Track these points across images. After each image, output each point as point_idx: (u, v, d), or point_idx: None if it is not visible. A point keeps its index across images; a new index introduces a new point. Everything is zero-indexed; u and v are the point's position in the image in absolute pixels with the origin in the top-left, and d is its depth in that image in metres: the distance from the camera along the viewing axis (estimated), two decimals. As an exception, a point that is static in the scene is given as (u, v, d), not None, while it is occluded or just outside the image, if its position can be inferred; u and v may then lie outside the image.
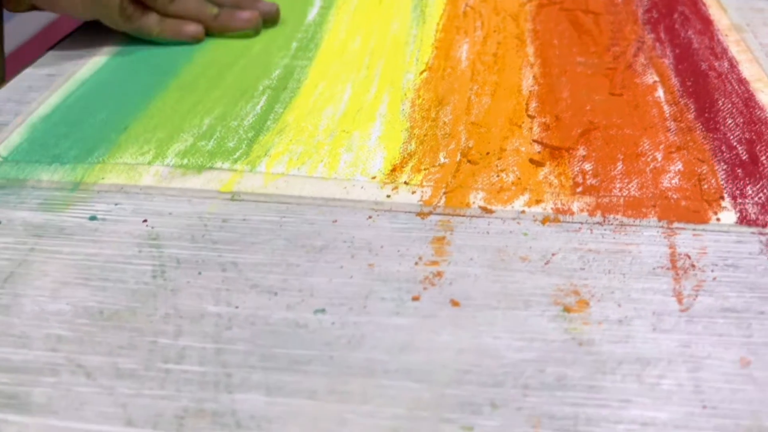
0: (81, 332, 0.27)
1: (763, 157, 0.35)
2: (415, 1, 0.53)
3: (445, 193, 0.33)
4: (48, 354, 0.26)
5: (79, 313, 0.28)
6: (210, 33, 0.48)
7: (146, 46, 0.47)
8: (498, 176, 0.34)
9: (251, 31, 0.48)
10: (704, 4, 0.51)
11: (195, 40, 0.47)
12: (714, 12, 0.50)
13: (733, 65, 0.44)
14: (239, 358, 0.26)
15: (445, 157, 0.36)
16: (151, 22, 0.46)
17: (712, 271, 0.29)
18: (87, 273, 0.29)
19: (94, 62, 0.45)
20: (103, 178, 0.35)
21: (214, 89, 0.42)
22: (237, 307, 0.28)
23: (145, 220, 0.32)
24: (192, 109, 0.40)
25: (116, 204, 0.33)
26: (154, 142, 0.37)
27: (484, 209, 0.32)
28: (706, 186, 0.33)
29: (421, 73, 0.43)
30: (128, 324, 0.27)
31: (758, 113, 0.39)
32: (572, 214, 0.32)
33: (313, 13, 0.51)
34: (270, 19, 0.49)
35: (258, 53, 0.46)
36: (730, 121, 0.38)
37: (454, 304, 0.28)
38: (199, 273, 0.29)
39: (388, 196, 0.33)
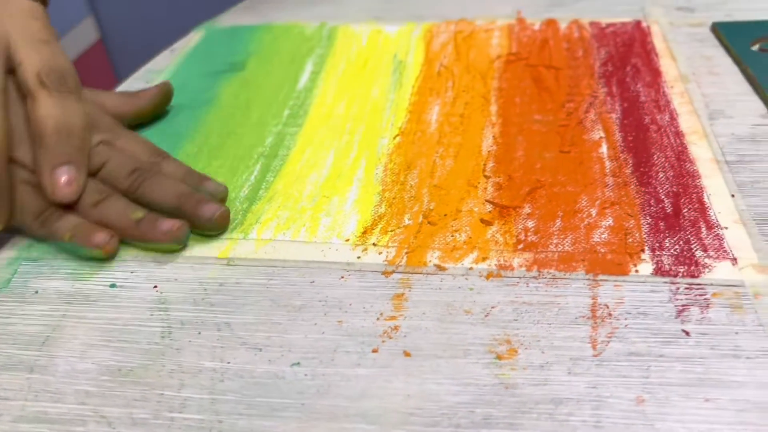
0: (104, 387, 0.33)
1: (685, 209, 0.41)
2: (394, 64, 0.59)
3: (406, 253, 0.39)
4: (78, 407, 0.33)
5: (102, 371, 0.34)
6: (131, 242, 0.42)
7: (153, 123, 0.54)
8: (452, 236, 0.40)
9: (172, 246, 0.41)
10: (656, 55, 0.57)
11: (105, 253, 0.40)
12: (665, 63, 0.56)
13: (673, 118, 0.49)
14: (229, 406, 0.32)
15: (409, 219, 0.42)
16: (64, 225, 0.41)
17: (626, 319, 0.35)
18: (108, 335, 0.36)
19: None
20: (121, 251, 0.41)
21: (215, 159, 0.49)
22: (229, 363, 0.34)
23: (155, 286, 0.39)
24: (196, 180, 0.47)
25: (132, 272, 0.40)
26: (163, 214, 0.44)
27: (439, 267, 0.38)
28: (630, 240, 0.39)
29: (394, 138, 0.49)
30: (141, 379, 0.34)
31: (687, 166, 0.44)
32: (512, 269, 0.38)
33: (304, 79, 0.58)
34: (208, 227, 0.41)
35: (255, 121, 0.53)
36: (661, 175, 0.44)
37: (407, 354, 0.34)
38: (199, 333, 0.36)
39: (359, 257, 0.39)
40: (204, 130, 0.52)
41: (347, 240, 0.41)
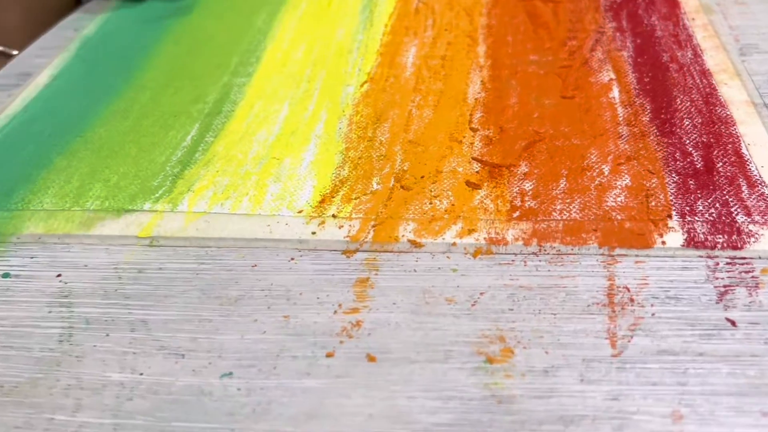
0: (-24, 412, 0.26)
1: (720, 164, 0.33)
2: (364, 1, 0.50)
3: (373, 226, 0.31)
4: (-62, 440, 0.25)
5: (-24, 389, 0.26)
6: None
7: (86, 66, 0.45)
8: (431, 203, 0.32)
9: None
10: (673, -17, 0.48)
11: None
12: (683, -9, 0.47)
13: (696, 54, 0.41)
14: (136, 435, 0.24)
15: (377, 183, 0.34)
16: None
17: (652, 305, 0.27)
18: (-9, 341, 0.28)
19: (30, 91, 0.44)
20: (20, 229, 0.33)
21: (147, 116, 0.40)
22: (141, 374, 0.26)
23: (59, 275, 0.31)
24: (121, 140, 0.38)
25: (32, 257, 0.32)
26: (75, 182, 0.35)
27: (414, 243, 0.30)
28: (653, 203, 0.31)
29: (362, 85, 0.41)
30: (27, 399, 0.26)
31: (719, 111, 0.36)
32: (506, 244, 0.30)
33: (258, 21, 0.49)
34: None
35: (197, 72, 0.44)
36: (687, 123, 0.36)
37: (371, 359, 0.26)
38: (107, 335, 0.28)
39: (314, 233, 0.31)
40: (137, 83, 0.43)
41: (300, 211, 0.33)
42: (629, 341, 0.26)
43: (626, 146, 0.34)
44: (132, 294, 0.30)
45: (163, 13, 0.51)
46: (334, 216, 0.32)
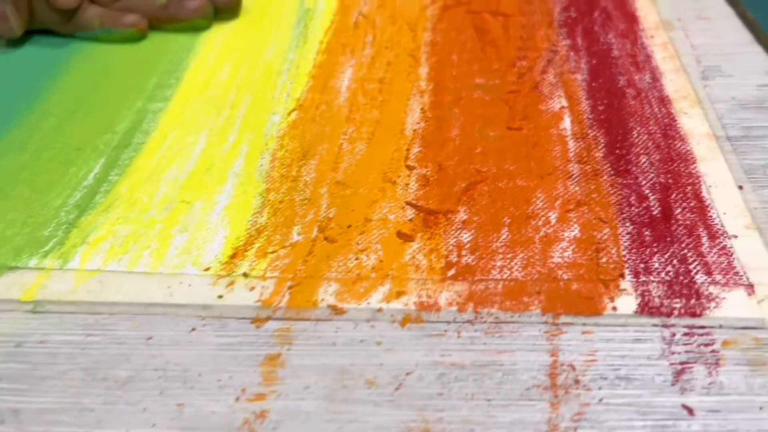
0: None
1: (678, 210, 0.29)
2: (300, 12, 0.46)
3: (290, 287, 0.28)
4: None
5: None
6: (158, 26, 0.46)
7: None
8: (357, 259, 0.28)
9: (202, 21, 0.45)
10: (632, -6, 0.45)
11: (138, 32, 0.45)
12: (642, 5, 0.44)
13: (655, 78, 0.37)
14: None
15: (299, 233, 0.30)
16: (91, 15, 0.45)
17: (600, 388, 0.24)
18: None
19: None
20: None
21: (47, 149, 0.36)
22: (2, 483, 0.22)
23: None
24: (13, 179, 0.34)
25: None
26: (-45, 233, 0.31)
27: (334, 309, 0.27)
28: (604, 259, 0.28)
29: (290, 113, 0.37)
30: None
31: (678, 145, 0.33)
32: (438, 310, 0.26)
33: (183, 35, 0.45)
34: (226, 9, 0.46)
35: (110, 95, 0.39)
36: (644, 160, 0.32)
37: (274, 461, 0.22)
38: (-32, 430, 0.24)
39: (220, 297, 0.27)
40: (42, 108, 0.39)
41: (207, 269, 0.29)
42: (573, 435, 0.22)
43: (577, 188, 0.31)
44: (5, 375, 0.25)
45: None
46: (245, 275, 0.28)
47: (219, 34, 0.44)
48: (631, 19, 0.42)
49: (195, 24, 0.45)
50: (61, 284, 0.28)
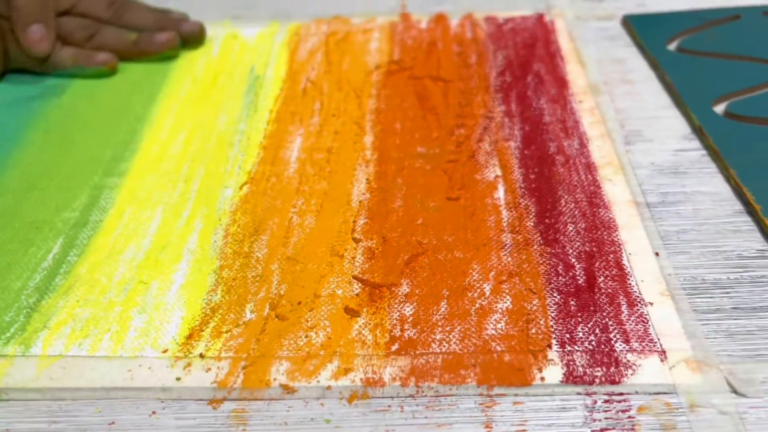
0: None
1: (601, 278, 0.32)
2: (250, 80, 0.48)
3: (244, 368, 0.29)
4: None
5: None
6: (129, 59, 0.50)
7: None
8: (307, 336, 0.30)
9: (171, 52, 0.50)
10: (562, 59, 0.48)
11: (109, 68, 0.49)
12: (572, 69, 0.47)
13: (583, 144, 0.40)
14: None
15: (251, 311, 0.32)
16: (65, 55, 0.49)
17: (529, 457, 0.26)
18: None
19: None
20: None
21: (5, 229, 0.37)
22: None
23: None
24: (-26, 260, 0.35)
25: None
26: None
27: (286, 388, 0.29)
28: (534, 330, 0.30)
29: (242, 186, 0.39)
30: None
31: (602, 213, 0.36)
32: (383, 385, 0.28)
33: (137, 105, 0.46)
34: (192, 39, 0.51)
35: (66, 169, 0.41)
36: (571, 229, 0.35)
37: None
38: None
39: (178, 379, 0.29)
40: (23, 154, 0.40)
41: (165, 351, 0.30)
42: (504, 504, 0.25)
43: (509, 259, 0.33)
44: (-29, 467, 0.27)
45: (31, 93, 0.47)
46: (201, 356, 0.30)
47: (172, 102, 0.46)
48: (562, 83, 0.45)
49: (164, 54, 0.50)
50: (24, 371, 0.30)
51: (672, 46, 0.48)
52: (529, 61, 0.48)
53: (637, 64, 0.47)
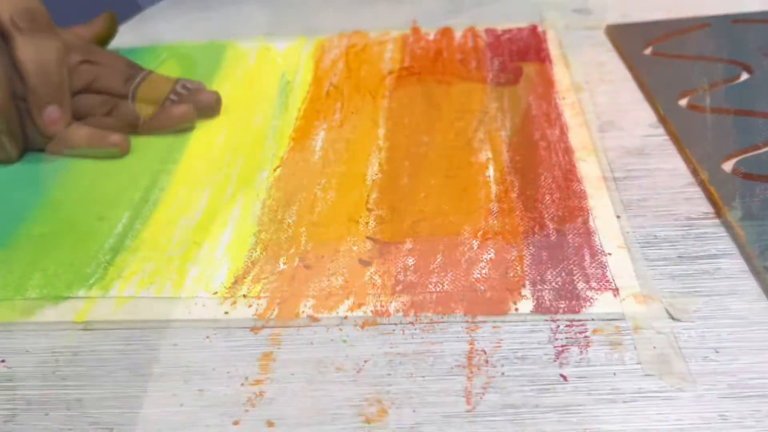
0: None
1: (570, 236, 0.39)
2: (281, 85, 0.56)
3: (278, 304, 0.37)
4: None
5: (-68, 469, 0.31)
6: (145, 133, 0.51)
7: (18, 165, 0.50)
8: (328, 281, 0.38)
9: (187, 124, 0.51)
10: (551, 62, 0.55)
11: (122, 151, 0.49)
12: (558, 71, 0.54)
13: (563, 132, 0.47)
14: (71, 502, 0.29)
15: (284, 263, 0.39)
16: (78, 135, 0.49)
17: (503, 365, 0.33)
18: (-57, 425, 0.33)
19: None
20: (-34, 320, 0.38)
21: (82, 204, 0.45)
22: (75, 448, 0.31)
23: (2, 360, 0.35)
24: (56, 231, 0.43)
25: (-22, 345, 0.36)
26: (17, 272, 0.40)
27: (312, 318, 0.36)
28: (511, 274, 0.37)
29: (275, 169, 0.46)
30: (-24, 476, 0.30)
31: (575, 186, 0.43)
32: (388, 315, 0.36)
33: (185, 106, 0.54)
34: (208, 110, 0.52)
35: (130, 161, 0.49)
36: (547, 198, 0.42)
37: (270, 425, 0.31)
38: (46, 414, 0.33)
39: (226, 313, 0.37)
40: (76, 170, 0.48)
41: (215, 293, 0.38)
42: (481, 398, 0.31)
43: (495, 222, 0.40)
44: (68, 375, 0.34)
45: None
46: (244, 296, 0.37)
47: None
48: (549, 83, 0.53)
49: (180, 128, 0.51)
50: (105, 308, 0.37)
51: (648, 51, 0.55)
52: (521, 65, 0.55)
53: (616, 67, 0.54)
